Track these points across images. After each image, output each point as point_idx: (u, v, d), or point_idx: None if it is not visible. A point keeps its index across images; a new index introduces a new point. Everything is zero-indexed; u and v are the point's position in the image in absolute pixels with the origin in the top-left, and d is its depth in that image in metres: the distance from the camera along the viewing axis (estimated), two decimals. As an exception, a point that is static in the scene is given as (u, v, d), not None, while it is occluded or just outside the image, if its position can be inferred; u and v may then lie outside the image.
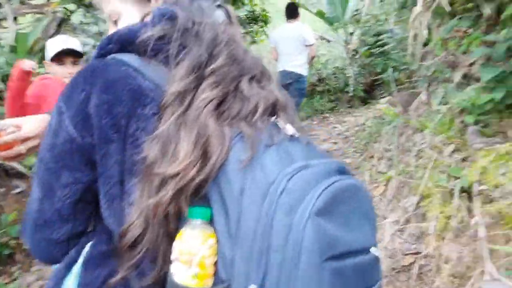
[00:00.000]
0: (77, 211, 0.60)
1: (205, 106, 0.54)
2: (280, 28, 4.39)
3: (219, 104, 0.56)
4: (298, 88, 4.06)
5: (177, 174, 0.51)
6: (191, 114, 0.54)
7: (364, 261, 0.52)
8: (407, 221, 2.42)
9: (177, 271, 0.50)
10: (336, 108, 6.44)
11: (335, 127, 5.28)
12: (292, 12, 4.20)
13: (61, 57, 1.99)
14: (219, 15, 0.67)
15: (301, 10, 4.51)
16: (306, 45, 4.12)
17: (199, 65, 0.57)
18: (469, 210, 2.01)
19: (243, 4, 6.36)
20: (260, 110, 0.57)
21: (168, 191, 0.51)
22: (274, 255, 0.46)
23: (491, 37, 1.98)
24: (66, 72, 1.99)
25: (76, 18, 5.96)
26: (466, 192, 2.04)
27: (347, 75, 6.60)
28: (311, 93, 6.45)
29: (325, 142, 4.62)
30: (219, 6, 0.69)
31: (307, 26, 4.30)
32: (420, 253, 2.25)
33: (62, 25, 4.38)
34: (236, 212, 0.49)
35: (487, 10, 2.21)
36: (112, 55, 0.60)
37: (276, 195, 0.48)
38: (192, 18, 0.62)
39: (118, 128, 0.55)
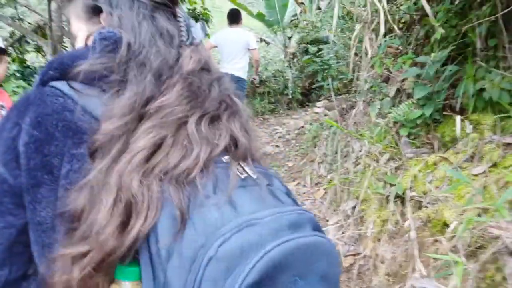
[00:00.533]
0: (13, 256, 0.53)
1: (131, 160, 0.46)
2: (224, 31, 4.47)
3: (152, 154, 0.48)
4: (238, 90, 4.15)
5: (88, 252, 0.44)
6: (116, 168, 0.46)
7: None
8: (347, 224, 2.60)
9: None
10: (276, 110, 6.61)
11: (276, 129, 5.43)
12: (235, 17, 4.37)
13: None
14: (197, 30, 0.61)
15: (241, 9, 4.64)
16: (249, 49, 4.27)
17: (140, 101, 0.50)
18: (403, 215, 2.23)
19: (181, 1, 6.20)
20: (202, 158, 0.48)
21: (79, 270, 0.44)
22: None
23: (421, 58, 2.21)
24: None
25: None
26: (400, 198, 2.26)
27: (286, 78, 6.81)
28: (252, 94, 6.54)
29: (267, 144, 4.72)
30: (196, 20, 0.64)
31: (250, 32, 4.55)
32: (359, 254, 2.43)
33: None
34: (162, 277, 0.42)
35: (420, 31, 2.45)
36: (52, 83, 0.53)
37: (204, 263, 0.41)
38: (140, 42, 0.55)
39: (50, 169, 0.49)
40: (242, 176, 0.49)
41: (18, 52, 5.55)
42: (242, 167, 0.51)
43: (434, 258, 1.92)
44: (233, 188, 0.47)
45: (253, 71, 5.09)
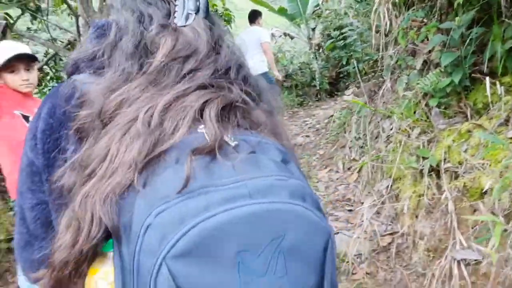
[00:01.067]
0: (50, 231, 0.56)
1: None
2: (243, 32, 4.92)
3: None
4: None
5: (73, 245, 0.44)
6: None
7: None
8: (382, 203, 2.55)
9: None
10: (305, 102, 6.58)
11: (306, 121, 5.41)
12: (252, 17, 4.89)
13: (12, 64, 1.83)
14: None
15: (262, 9, 4.87)
16: (260, 43, 4.61)
17: (112, 87, 0.51)
18: (439, 187, 2.15)
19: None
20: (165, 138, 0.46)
21: (58, 262, 0.44)
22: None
23: (446, 25, 2.13)
24: (20, 80, 1.85)
25: (22, 24, 5.66)
26: (434, 170, 2.19)
27: (313, 69, 6.76)
28: (280, 89, 6.55)
29: (297, 136, 4.72)
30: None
31: (264, 29, 4.92)
32: (396, 232, 2.38)
33: (6, 33, 4.18)
34: (126, 250, 0.41)
35: (442, 1, 2.37)
36: (72, 77, 0.58)
37: (141, 232, 0.39)
38: (120, 26, 0.57)
39: (61, 151, 0.53)
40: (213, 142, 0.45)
41: (54, 70, 5.92)
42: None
43: (473, 228, 1.85)
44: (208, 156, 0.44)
45: (280, 65, 5.27)
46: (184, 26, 0.55)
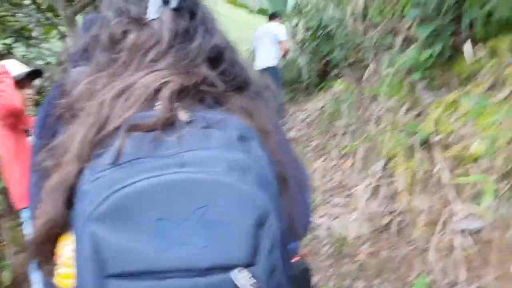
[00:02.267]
0: None
1: None
2: (262, 26, 5.41)
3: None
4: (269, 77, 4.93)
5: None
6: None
7: (176, 285, 0.39)
8: (378, 184, 2.52)
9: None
10: (295, 98, 6.57)
11: (297, 115, 5.40)
12: (271, 16, 5.40)
13: (23, 80, 1.95)
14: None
15: (241, 11, 5.19)
16: (278, 41, 4.99)
17: (91, 74, 0.54)
18: (431, 160, 2.13)
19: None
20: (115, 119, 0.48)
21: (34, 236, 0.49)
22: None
23: (420, -3, 2.12)
24: (26, 94, 1.98)
25: (18, 52, 5.73)
26: (426, 144, 2.16)
27: (300, 65, 6.76)
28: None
29: (290, 130, 4.70)
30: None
31: (281, 26, 5.25)
32: (395, 211, 2.35)
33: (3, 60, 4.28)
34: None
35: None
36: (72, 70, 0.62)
37: (78, 197, 0.43)
38: (102, 19, 0.60)
39: (56, 135, 0.56)
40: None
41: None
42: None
43: (471, 197, 1.82)
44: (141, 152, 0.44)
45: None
46: (154, 19, 0.57)
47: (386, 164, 2.55)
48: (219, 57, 0.59)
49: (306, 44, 6.62)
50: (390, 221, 2.30)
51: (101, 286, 0.39)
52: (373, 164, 2.75)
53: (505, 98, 1.81)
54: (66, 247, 0.47)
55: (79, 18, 4.89)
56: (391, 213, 2.34)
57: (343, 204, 2.73)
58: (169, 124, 0.45)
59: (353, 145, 2.97)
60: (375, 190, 2.55)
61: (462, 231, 1.84)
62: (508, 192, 1.54)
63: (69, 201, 0.45)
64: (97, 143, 0.46)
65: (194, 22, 0.60)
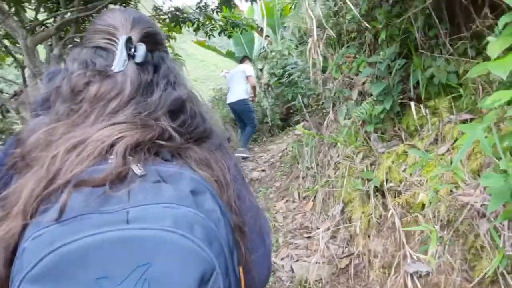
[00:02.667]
0: None
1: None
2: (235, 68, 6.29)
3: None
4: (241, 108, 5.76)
5: None
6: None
7: None
8: (337, 227, 2.65)
9: None
10: (259, 139, 6.75)
11: (261, 156, 5.53)
12: (241, 60, 6.27)
13: None
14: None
15: (211, 53, 5.48)
16: (246, 76, 5.71)
17: (50, 124, 0.55)
18: (384, 206, 2.30)
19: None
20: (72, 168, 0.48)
21: None
22: None
23: (373, 58, 2.38)
24: None
25: None
26: (379, 191, 2.34)
27: (264, 107, 7.02)
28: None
29: (253, 171, 4.80)
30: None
31: (247, 64, 6.00)
32: (352, 254, 2.47)
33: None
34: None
35: (368, 37, 2.65)
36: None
37: (19, 254, 0.42)
38: (64, 72, 0.63)
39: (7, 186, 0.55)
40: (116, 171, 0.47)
41: (2, 122, 5.66)
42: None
43: (419, 241, 1.98)
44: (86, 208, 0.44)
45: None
46: (118, 72, 0.60)
47: (344, 208, 2.69)
48: (180, 109, 0.61)
49: (270, 88, 6.93)
50: (349, 264, 2.41)
51: None
52: (332, 207, 2.89)
53: (446, 152, 2.04)
54: None
55: (40, 49, 4.84)
56: (349, 256, 2.45)
57: (304, 246, 2.81)
58: (120, 178, 0.46)
59: (313, 188, 3.11)
60: (334, 233, 2.67)
61: (414, 274, 1.97)
62: (452, 238, 1.71)
63: (11, 260, 0.43)
64: (45, 198, 0.45)
65: (158, 76, 0.63)
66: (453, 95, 2.13)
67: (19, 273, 0.40)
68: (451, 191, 1.86)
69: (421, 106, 2.24)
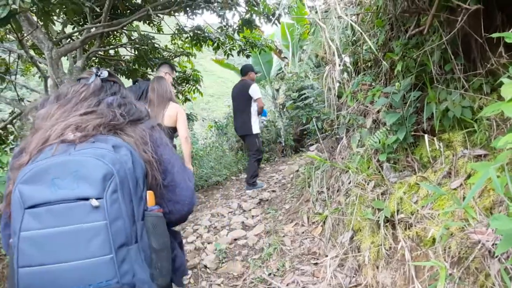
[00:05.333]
0: None
1: None
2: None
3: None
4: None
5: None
6: None
7: (57, 208, 0.86)
8: (345, 255, 2.62)
9: None
10: (271, 158, 6.76)
11: (272, 176, 5.53)
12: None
13: None
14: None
15: (229, 71, 5.22)
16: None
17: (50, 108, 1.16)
18: (395, 237, 2.27)
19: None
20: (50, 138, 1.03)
21: None
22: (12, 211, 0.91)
23: (388, 89, 2.40)
24: None
25: None
26: (390, 221, 2.32)
27: (278, 127, 7.06)
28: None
29: (264, 191, 4.79)
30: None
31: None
32: (360, 284, 2.43)
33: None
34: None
35: (385, 66, 2.68)
36: None
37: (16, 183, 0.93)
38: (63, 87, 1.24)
39: None
40: (69, 139, 1.01)
41: (20, 129, 5.82)
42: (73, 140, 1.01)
43: (428, 276, 1.95)
44: (55, 152, 0.97)
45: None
46: (90, 83, 1.21)
47: (353, 236, 2.66)
48: (124, 102, 1.19)
49: (285, 109, 6.98)
50: (355, 295, 2.37)
51: (23, 215, 0.86)
52: (341, 235, 2.86)
53: (458, 187, 2.02)
54: None
55: (63, 60, 5.02)
56: (356, 286, 2.41)
57: (310, 273, 2.78)
58: (81, 141, 0.99)
59: (323, 214, 3.09)
60: (342, 261, 2.63)
61: (421, 310, 1.93)
62: (462, 276, 1.68)
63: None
64: (41, 148, 1.00)
65: (114, 86, 1.26)
66: (467, 130, 2.12)
67: (18, 179, 0.90)
68: (463, 227, 1.83)
69: (435, 138, 2.23)
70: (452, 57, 2.12)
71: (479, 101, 2.14)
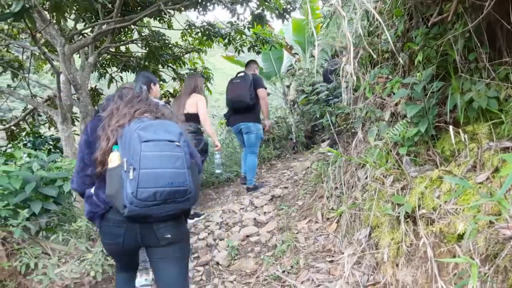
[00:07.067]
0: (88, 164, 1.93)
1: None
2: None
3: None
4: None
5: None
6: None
7: (159, 143, 1.69)
8: (363, 253, 2.53)
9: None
10: (282, 155, 6.68)
11: (284, 173, 5.45)
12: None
13: None
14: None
15: (239, 68, 5.16)
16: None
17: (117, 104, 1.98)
18: (416, 234, 2.18)
19: (183, 63, 6.62)
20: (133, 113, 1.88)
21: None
22: (130, 145, 1.69)
23: (408, 80, 2.31)
24: None
25: (2, 82, 5.77)
26: (410, 217, 2.23)
27: (289, 123, 6.98)
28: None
29: (275, 187, 4.72)
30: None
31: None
32: (379, 282, 2.34)
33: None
34: (126, 142, 1.73)
35: (404, 57, 2.58)
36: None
37: (133, 131, 1.72)
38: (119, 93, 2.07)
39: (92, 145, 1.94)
40: (149, 121, 1.83)
41: (31, 125, 5.85)
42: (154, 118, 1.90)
43: (454, 274, 1.86)
44: (147, 119, 1.85)
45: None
46: (141, 91, 2.09)
47: (371, 233, 2.58)
48: (158, 106, 2.01)
49: (296, 105, 6.90)
50: (374, 293, 2.28)
51: (140, 144, 1.67)
52: (357, 231, 2.78)
53: (485, 181, 1.92)
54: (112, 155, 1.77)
55: (75, 57, 5.02)
56: (375, 284, 2.33)
57: (326, 270, 2.70)
58: (154, 118, 1.89)
59: (338, 210, 3.01)
60: (359, 259, 2.55)
61: (445, 309, 1.84)
62: (492, 274, 1.59)
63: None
64: (130, 120, 1.85)
65: (148, 95, 2.12)
66: (493, 121, 2.02)
67: (132, 129, 1.75)
68: (490, 222, 1.74)
69: (460, 130, 2.14)
70: (478, 44, 2.02)
71: (506, 91, 2.03)
